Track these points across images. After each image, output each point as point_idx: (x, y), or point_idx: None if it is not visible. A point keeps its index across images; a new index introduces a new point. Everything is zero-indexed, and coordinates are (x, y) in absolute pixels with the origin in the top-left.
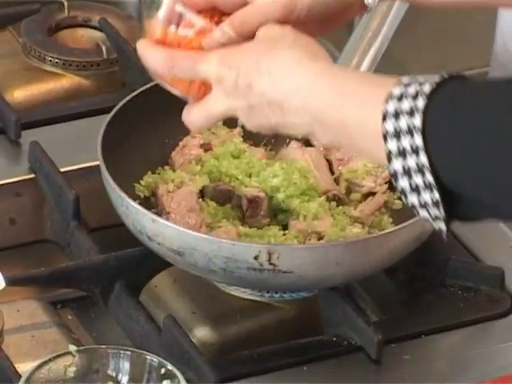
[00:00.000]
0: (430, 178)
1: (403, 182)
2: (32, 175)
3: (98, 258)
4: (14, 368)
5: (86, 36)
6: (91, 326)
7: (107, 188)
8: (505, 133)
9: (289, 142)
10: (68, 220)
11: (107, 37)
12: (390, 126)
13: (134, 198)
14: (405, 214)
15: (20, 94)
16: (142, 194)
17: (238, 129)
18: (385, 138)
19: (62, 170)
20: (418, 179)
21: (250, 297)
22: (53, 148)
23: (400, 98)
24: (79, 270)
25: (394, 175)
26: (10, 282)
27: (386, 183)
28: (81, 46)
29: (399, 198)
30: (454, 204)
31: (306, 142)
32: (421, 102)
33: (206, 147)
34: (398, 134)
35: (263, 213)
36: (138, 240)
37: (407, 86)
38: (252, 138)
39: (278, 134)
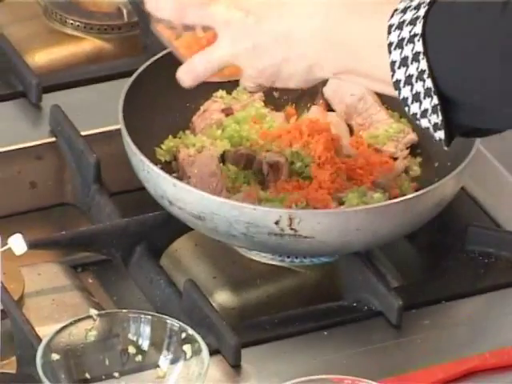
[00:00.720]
0: (429, 83)
1: (405, 92)
2: (53, 139)
3: (119, 222)
4: (35, 331)
5: None
6: (112, 290)
7: (128, 152)
8: (497, 36)
9: (309, 107)
10: (89, 184)
11: (128, 0)
12: (394, 37)
13: (155, 162)
14: (426, 179)
15: (41, 58)
16: (163, 158)
17: (260, 93)
18: (389, 50)
19: (83, 133)
20: (418, 86)
21: (270, 261)
22: (74, 111)
23: (404, 11)
24: (100, 234)
25: (397, 85)
26: (32, 246)
27: (407, 149)
28: (102, 9)
29: (420, 165)
30: (451, 111)
31: (327, 107)
32: (422, 11)
33: (227, 112)
34: (401, 44)
35: (284, 178)
36: (158, 204)
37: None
38: (273, 102)
39: (276, 86)
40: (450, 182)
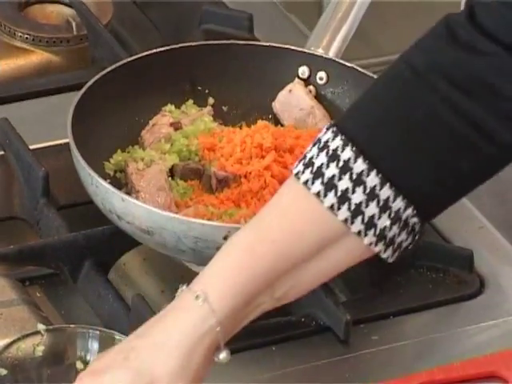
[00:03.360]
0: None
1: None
2: (1, 152)
3: (67, 236)
4: None
5: (56, 12)
6: (60, 304)
7: (77, 166)
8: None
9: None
10: (37, 197)
11: (77, 13)
12: (330, 199)
13: (104, 176)
14: None
15: None
16: (112, 172)
17: (209, 107)
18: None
19: (31, 147)
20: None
21: None
22: (22, 125)
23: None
24: (48, 248)
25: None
26: None
27: None
28: (51, 21)
29: None
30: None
31: (276, 121)
32: (347, 153)
33: (176, 126)
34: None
35: (232, 193)
36: (107, 218)
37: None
38: (222, 117)
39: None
40: None
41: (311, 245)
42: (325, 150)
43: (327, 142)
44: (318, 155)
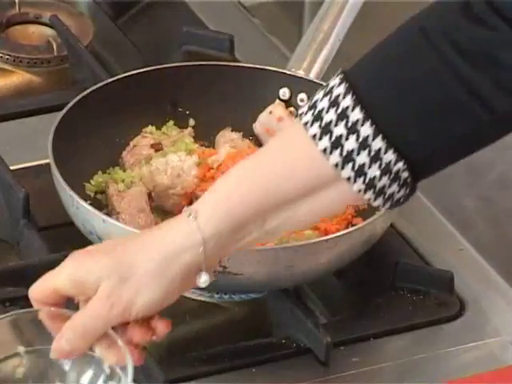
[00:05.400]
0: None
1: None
2: None
3: (48, 258)
4: None
5: (36, 32)
6: (40, 325)
7: (57, 187)
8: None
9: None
10: (18, 218)
11: (58, 34)
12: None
13: (85, 197)
14: (355, 216)
15: None
16: (92, 193)
17: (189, 129)
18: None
19: (11, 167)
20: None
21: (199, 297)
22: (3, 145)
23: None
24: (29, 269)
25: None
26: None
27: None
28: (32, 42)
29: None
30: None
31: (257, 143)
32: (347, 100)
33: (157, 147)
34: (337, 143)
35: None
36: (88, 239)
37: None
38: (203, 138)
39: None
40: (379, 219)
41: (302, 184)
42: (328, 95)
43: (333, 87)
44: (321, 99)
